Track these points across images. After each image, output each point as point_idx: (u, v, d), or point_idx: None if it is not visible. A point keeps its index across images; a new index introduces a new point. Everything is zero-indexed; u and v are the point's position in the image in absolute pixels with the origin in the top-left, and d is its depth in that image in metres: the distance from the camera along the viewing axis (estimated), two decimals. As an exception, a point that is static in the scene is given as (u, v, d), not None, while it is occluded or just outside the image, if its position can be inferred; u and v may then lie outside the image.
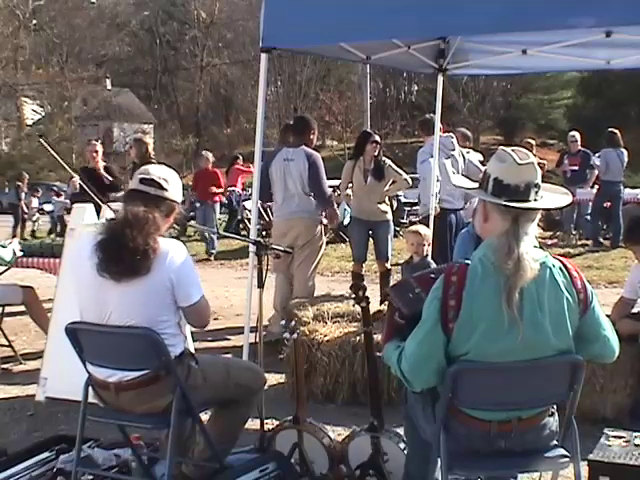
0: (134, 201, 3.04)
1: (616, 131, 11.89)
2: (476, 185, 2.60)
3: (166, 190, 3.10)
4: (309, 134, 6.20)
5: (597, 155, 12.18)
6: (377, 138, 7.10)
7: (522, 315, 2.37)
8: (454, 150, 7.05)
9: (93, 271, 2.94)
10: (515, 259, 2.37)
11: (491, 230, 2.51)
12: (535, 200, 2.47)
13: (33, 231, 19.23)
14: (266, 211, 11.83)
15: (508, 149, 2.51)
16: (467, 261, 2.48)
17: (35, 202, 20.34)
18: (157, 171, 3.15)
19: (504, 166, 2.47)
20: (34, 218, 19.80)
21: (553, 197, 2.58)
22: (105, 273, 2.92)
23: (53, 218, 19.06)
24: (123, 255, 2.88)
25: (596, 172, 12.83)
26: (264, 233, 10.60)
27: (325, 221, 6.25)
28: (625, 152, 11.76)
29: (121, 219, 2.99)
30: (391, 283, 6.82)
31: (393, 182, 7.12)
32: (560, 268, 2.47)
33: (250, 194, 12.08)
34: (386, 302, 2.84)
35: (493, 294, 2.38)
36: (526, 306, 2.39)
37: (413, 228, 5.63)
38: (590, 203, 13.09)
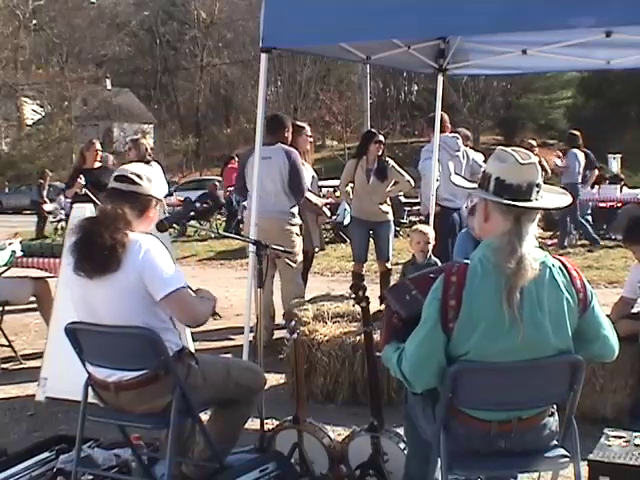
0: (110, 199, 3.07)
1: (577, 132, 11.96)
2: (475, 185, 2.60)
3: (139, 185, 3.07)
4: (283, 132, 6.13)
5: (557, 156, 12.10)
6: (381, 138, 7.08)
7: (522, 315, 2.37)
8: (458, 151, 6.99)
9: (71, 271, 2.97)
10: (518, 259, 2.36)
11: (491, 230, 2.50)
12: (537, 200, 2.47)
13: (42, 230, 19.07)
14: None
15: (508, 149, 2.51)
16: (466, 261, 2.48)
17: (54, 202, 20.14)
18: (131, 168, 3.16)
19: (506, 166, 2.47)
20: (57, 217, 19.60)
21: (554, 197, 2.58)
22: (80, 272, 2.94)
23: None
24: (93, 252, 2.90)
25: (596, 172, 12.87)
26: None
27: (300, 221, 6.17)
28: (583, 154, 11.76)
29: (91, 217, 3.06)
30: (391, 283, 6.83)
31: (395, 183, 7.11)
32: (560, 268, 2.47)
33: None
34: (384, 304, 2.83)
35: (493, 294, 2.38)
36: (526, 306, 2.38)
37: (419, 227, 5.63)
38: (590, 203, 13.10)
